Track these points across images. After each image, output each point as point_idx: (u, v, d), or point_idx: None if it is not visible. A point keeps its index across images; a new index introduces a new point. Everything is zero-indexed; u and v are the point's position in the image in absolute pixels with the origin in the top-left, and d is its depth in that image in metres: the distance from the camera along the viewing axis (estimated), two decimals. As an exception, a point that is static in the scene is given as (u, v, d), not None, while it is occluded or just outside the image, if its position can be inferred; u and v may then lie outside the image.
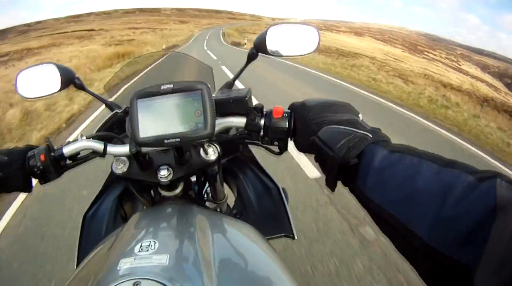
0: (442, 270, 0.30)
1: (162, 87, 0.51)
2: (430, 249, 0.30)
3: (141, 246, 0.45)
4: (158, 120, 0.51)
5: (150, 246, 0.44)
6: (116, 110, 0.79)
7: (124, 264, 0.41)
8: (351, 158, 0.41)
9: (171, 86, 0.51)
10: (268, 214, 0.78)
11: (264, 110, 0.61)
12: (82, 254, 0.75)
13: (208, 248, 0.47)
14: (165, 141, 0.50)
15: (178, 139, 0.50)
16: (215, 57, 13.49)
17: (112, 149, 0.63)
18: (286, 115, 0.59)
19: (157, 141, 0.50)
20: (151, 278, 0.38)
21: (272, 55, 0.70)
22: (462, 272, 0.28)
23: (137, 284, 0.37)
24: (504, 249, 0.26)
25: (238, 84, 0.81)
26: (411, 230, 0.32)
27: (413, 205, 0.33)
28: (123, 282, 0.38)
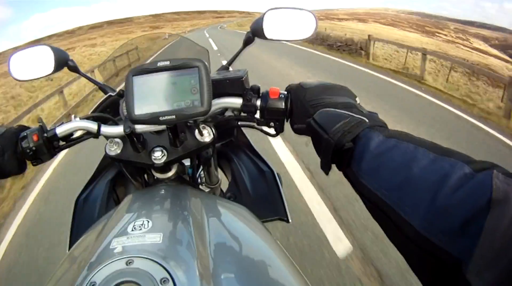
0: (433, 261, 0.29)
1: (159, 63, 0.50)
2: (421, 239, 0.30)
3: (134, 225, 0.45)
4: (153, 97, 0.50)
5: (143, 225, 0.44)
6: (110, 93, 0.78)
7: (117, 243, 0.41)
8: (346, 142, 0.40)
9: (167, 63, 0.50)
10: (263, 197, 0.78)
11: (260, 91, 0.61)
12: (74, 238, 0.76)
13: (202, 228, 0.47)
14: (161, 118, 0.50)
15: (174, 117, 0.49)
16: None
17: (106, 129, 0.62)
18: (283, 96, 0.58)
19: (153, 118, 0.50)
20: (144, 256, 0.38)
21: (269, 39, 0.69)
22: (454, 264, 0.27)
23: (130, 262, 0.37)
24: (498, 242, 0.25)
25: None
26: (403, 218, 0.32)
27: (407, 192, 0.32)
28: (116, 260, 0.38)
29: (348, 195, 2.40)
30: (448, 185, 0.30)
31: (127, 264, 0.37)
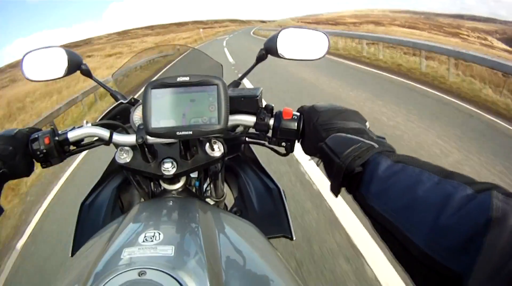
0: (436, 277, 0.31)
1: (179, 79, 0.51)
2: (426, 257, 0.31)
3: (145, 236, 0.45)
4: (171, 111, 0.51)
5: (154, 237, 0.45)
6: (121, 100, 0.78)
7: (128, 254, 0.42)
8: (356, 166, 0.42)
9: (187, 78, 0.51)
10: (268, 214, 0.79)
11: (274, 110, 0.62)
12: (78, 242, 0.76)
13: (212, 243, 0.48)
14: (177, 133, 0.50)
15: (191, 132, 0.50)
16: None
17: (118, 138, 0.63)
18: (296, 117, 0.59)
19: (169, 133, 0.51)
20: (156, 268, 0.39)
21: (281, 57, 0.71)
22: (456, 280, 0.29)
23: (142, 273, 0.38)
24: (497, 259, 0.27)
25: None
26: (408, 238, 0.33)
27: (412, 213, 0.34)
28: (128, 270, 0.38)
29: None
30: (451, 206, 0.31)
31: (139, 275, 0.38)
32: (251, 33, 33.58)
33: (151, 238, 0.45)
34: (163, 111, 0.51)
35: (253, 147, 0.84)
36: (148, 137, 0.58)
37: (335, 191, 0.46)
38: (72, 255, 0.73)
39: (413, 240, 0.33)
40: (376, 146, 0.44)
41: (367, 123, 0.55)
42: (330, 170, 0.46)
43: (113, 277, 0.38)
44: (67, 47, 0.78)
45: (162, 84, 0.51)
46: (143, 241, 0.44)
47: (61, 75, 0.76)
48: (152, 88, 0.51)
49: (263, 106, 0.62)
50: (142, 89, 0.87)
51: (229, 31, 49.63)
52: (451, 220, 0.31)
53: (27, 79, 0.79)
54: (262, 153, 0.82)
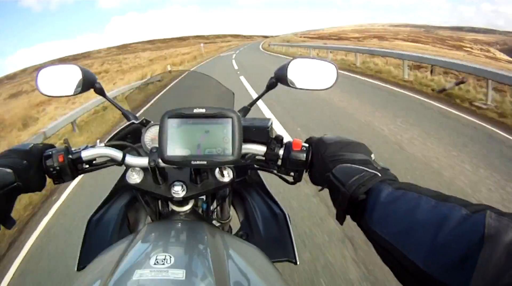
0: None
1: (195, 110, 0.53)
2: (424, 275, 0.33)
3: (156, 259, 0.46)
4: (186, 141, 0.53)
5: (165, 260, 0.46)
6: (133, 120, 0.80)
7: (140, 275, 0.43)
8: (360, 194, 0.44)
9: (203, 110, 0.53)
10: (274, 239, 0.80)
11: (283, 141, 0.64)
12: (84, 257, 0.76)
13: (221, 266, 0.49)
14: (192, 162, 0.53)
15: (205, 162, 0.52)
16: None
17: (131, 160, 0.64)
18: (305, 148, 0.61)
19: (184, 161, 0.53)
20: None
21: (291, 86, 0.73)
22: None
23: None
24: (491, 274, 0.28)
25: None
26: (408, 258, 0.35)
27: (411, 235, 0.36)
28: None
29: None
30: (447, 226, 0.33)
31: None
32: (260, 47, 29.45)
33: (162, 261, 0.46)
34: (179, 140, 0.53)
35: (260, 172, 0.86)
36: (160, 161, 0.59)
37: (341, 219, 0.48)
38: (78, 269, 0.73)
39: (412, 260, 0.35)
40: (379, 175, 0.46)
41: (372, 155, 0.57)
42: (336, 199, 0.49)
43: None
44: (66, 60, 0.78)
45: (179, 115, 0.54)
46: (155, 264, 0.46)
47: (75, 93, 0.77)
48: (168, 117, 0.53)
49: (274, 136, 0.64)
50: (147, 107, 0.91)
51: (233, 47, 45.23)
52: (447, 239, 0.33)
53: (41, 93, 0.80)
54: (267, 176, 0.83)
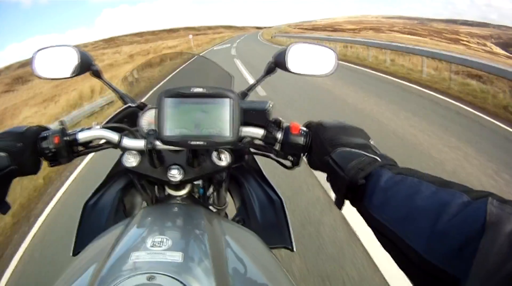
0: (435, 281, 0.33)
1: (193, 89, 0.52)
2: (424, 262, 0.33)
3: (153, 241, 0.46)
4: (185, 121, 0.53)
5: (162, 243, 0.46)
6: (130, 104, 0.79)
7: (137, 258, 0.42)
8: (359, 178, 0.44)
9: (202, 90, 0.52)
10: (271, 225, 0.80)
11: (282, 124, 0.63)
12: (79, 242, 0.75)
13: (218, 250, 0.49)
14: (190, 142, 0.52)
15: (203, 142, 0.52)
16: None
17: (127, 142, 0.63)
18: (303, 132, 0.61)
19: (182, 141, 0.52)
20: (166, 273, 0.39)
21: (290, 71, 0.72)
22: (453, 283, 0.30)
23: (151, 278, 0.38)
24: (492, 262, 0.28)
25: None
26: (408, 245, 0.35)
27: (411, 221, 0.36)
28: (136, 275, 0.39)
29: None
30: (447, 212, 0.33)
31: (148, 280, 0.38)
32: (259, 37, 27.61)
33: (159, 243, 0.46)
34: (177, 120, 0.52)
35: (257, 157, 0.85)
36: (157, 143, 0.59)
37: (339, 204, 0.48)
38: (74, 254, 0.73)
39: (412, 247, 0.34)
40: (379, 159, 0.46)
41: (371, 140, 0.57)
42: (335, 183, 0.48)
43: (121, 280, 0.38)
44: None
45: (176, 94, 0.53)
46: (151, 246, 0.45)
47: (71, 75, 0.75)
48: (166, 97, 0.53)
49: (272, 119, 0.64)
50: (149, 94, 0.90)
51: (227, 38, 40.26)
52: (448, 226, 0.32)
53: (37, 76, 0.78)
54: (264, 161, 0.81)
